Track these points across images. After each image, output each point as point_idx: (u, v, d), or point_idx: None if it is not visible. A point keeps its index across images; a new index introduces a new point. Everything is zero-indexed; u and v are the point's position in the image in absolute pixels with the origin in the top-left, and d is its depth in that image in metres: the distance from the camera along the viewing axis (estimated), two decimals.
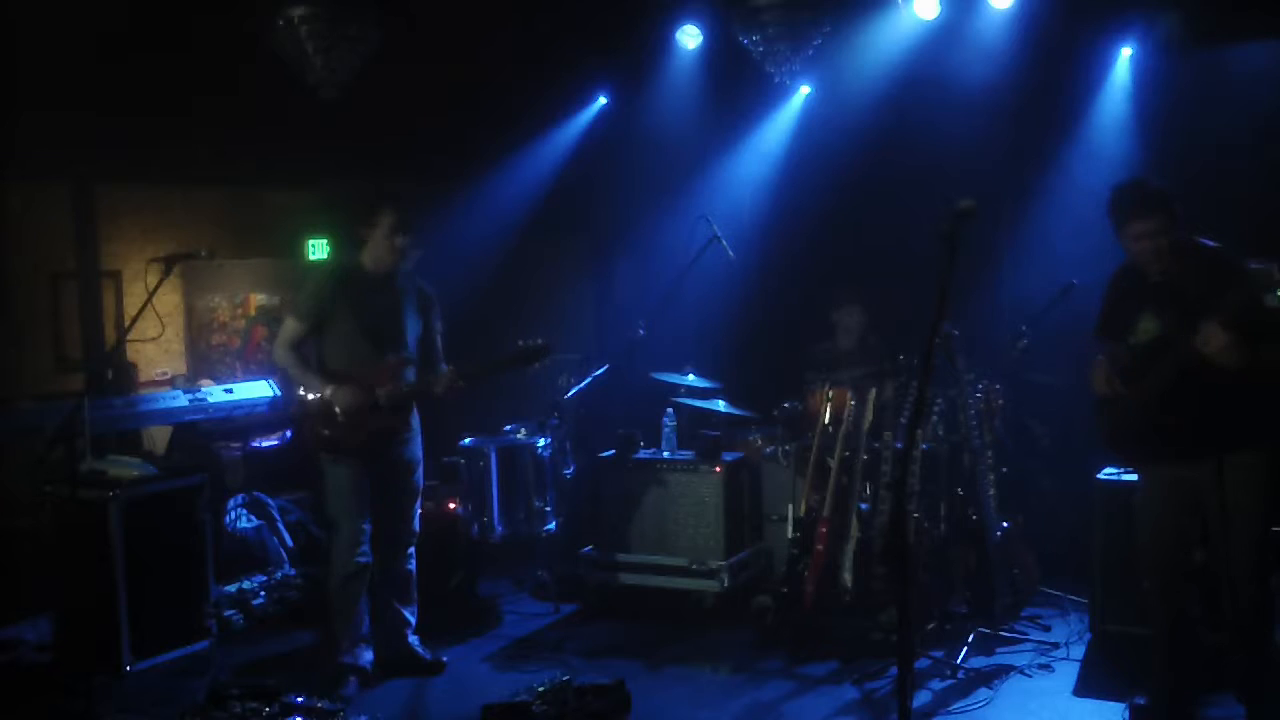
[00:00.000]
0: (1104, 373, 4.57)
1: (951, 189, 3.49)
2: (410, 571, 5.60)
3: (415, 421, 5.55)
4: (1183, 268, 4.39)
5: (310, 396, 5.35)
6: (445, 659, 5.63)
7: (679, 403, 6.72)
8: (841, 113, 7.37)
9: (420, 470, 5.59)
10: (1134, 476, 5.29)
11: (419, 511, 5.63)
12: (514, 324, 8.54)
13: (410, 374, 5.42)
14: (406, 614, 5.59)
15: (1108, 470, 5.47)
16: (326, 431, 5.33)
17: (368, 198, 5.44)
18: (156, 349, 7.53)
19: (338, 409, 5.26)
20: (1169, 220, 4.37)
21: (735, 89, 7.55)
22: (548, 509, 6.47)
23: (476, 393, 5.54)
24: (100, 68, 6.51)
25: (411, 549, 5.60)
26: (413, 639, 5.60)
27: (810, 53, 6.27)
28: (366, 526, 5.39)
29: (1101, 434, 4.72)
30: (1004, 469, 5.78)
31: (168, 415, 6.59)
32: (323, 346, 5.41)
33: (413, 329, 5.45)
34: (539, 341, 5.41)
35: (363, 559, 5.39)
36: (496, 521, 6.38)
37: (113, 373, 7.13)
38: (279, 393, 6.92)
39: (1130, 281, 4.57)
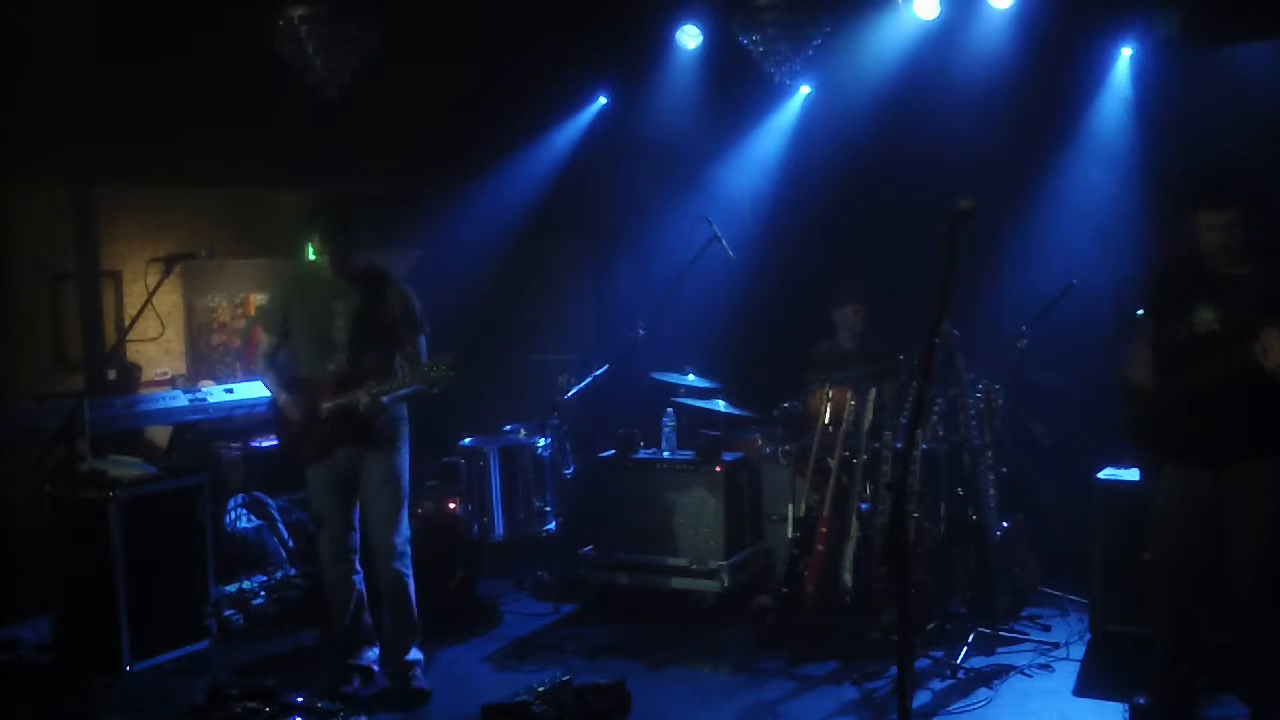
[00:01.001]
0: (1143, 362, 4.47)
1: (951, 188, 3.49)
2: (401, 591, 5.30)
3: (387, 432, 5.23)
4: (1252, 269, 4.28)
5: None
6: (432, 690, 5.32)
7: (679, 403, 6.71)
8: (841, 113, 7.38)
9: (396, 483, 5.27)
10: (1134, 477, 5.31)
11: (402, 524, 5.30)
12: (514, 323, 8.63)
13: (360, 385, 5.06)
14: (403, 638, 5.34)
15: (1108, 470, 5.47)
16: (285, 439, 5.37)
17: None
18: (156, 349, 7.53)
19: (289, 418, 5.28)
20: (1244, 215, 4.24)
21: (735, 89, 7.55)
22: (548, 509, 6.47)
23: (477, 393, 5.47)
24: (100, 68, 6.51)
25: (399, 564, 5.29)
26: (411, 658, 5.35)
27: (810, 53, 6.27)
28: (352, 534, 5.33)
29: (1128, 425, 4.65)
30: (1004, 469, 5.79)
31: (168, 415, 6.58)
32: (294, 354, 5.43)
33: (381, 336, 5.19)
34: (446, 360, 4.94)
35: (345, 567, 5.32)
36: (497, 521, 6.38)
37: (116, 373, 7.14)
38: None
39: (1189, 268, 4.41)
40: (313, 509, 5.43)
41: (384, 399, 5.05)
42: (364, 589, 5.42)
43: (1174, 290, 4.45)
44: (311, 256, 5.44)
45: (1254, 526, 4.32)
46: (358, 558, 5.40)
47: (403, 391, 5.09)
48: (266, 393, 6.85)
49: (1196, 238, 4.34)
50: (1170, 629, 4.61)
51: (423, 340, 5.32)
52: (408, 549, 5.34)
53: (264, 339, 5.46)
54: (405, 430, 5.37)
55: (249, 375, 7.57)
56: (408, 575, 5.33)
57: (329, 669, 5.39)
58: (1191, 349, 4.33)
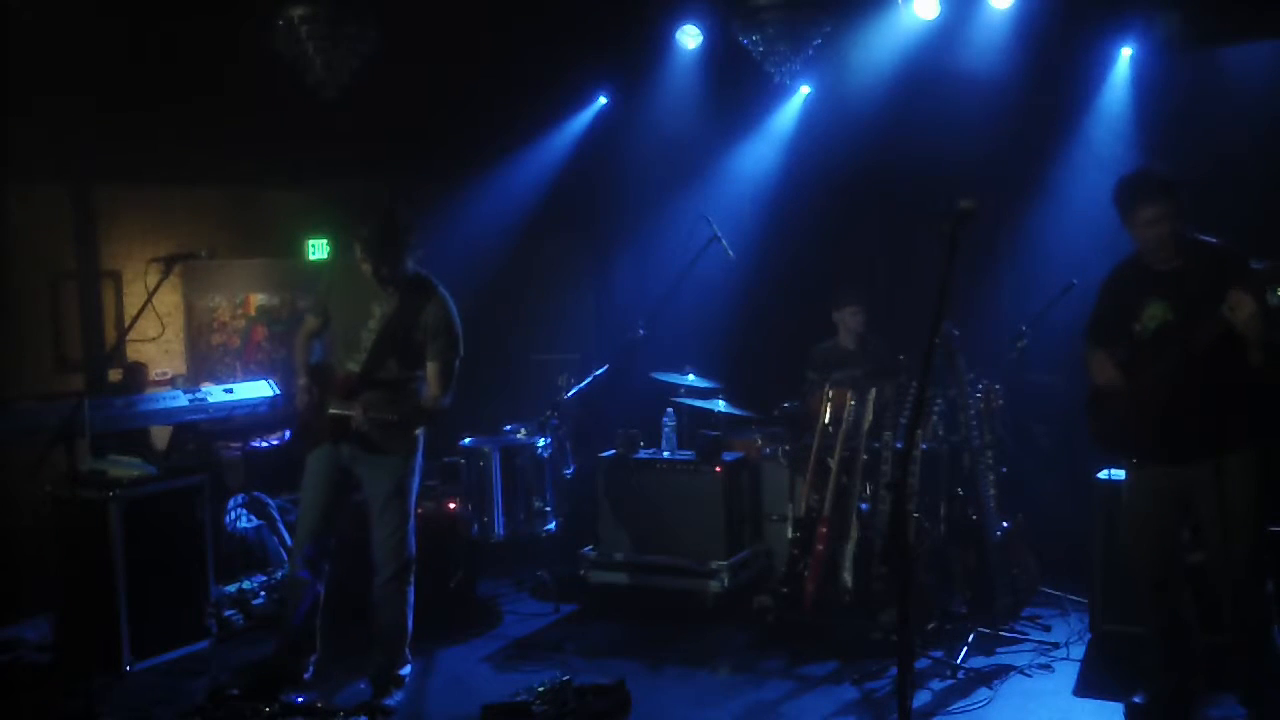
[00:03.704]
0: (1107, 365, 4.54)
1: (951, 189, 3.49)
2: (398, 608, 5.15)
3: (396, 443, 5.08)
4: (1188, 260, 4.40)
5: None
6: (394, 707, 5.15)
7: (679, 403, 6.72)
8: (841, 113, 7.38)
9: (403, 499, 5.13)
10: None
11: (409, 541, 5.18)
12: (514, 323, 8.63)
13: (360, 398, 5.01)
14: (392, 656, 5.18)
15: (1108, 470, 5.46)
16: (297, 419, 5.34)
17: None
18: (156, 349, 7.54)
19: (298, 404, 5.26)
20: (1175, 207, 4.38)
21: (735, 89, 7.55)
22: (548, 509, 6.47)
23: (477, 393, 5.44)
24: (100, 68, 6.51)
25: (400, 583, 5.14)
26: (397, 672, 5.24)
27: (810, 53, 6.28)
28: (326, 536, 5.21)
29: (1093, 428, 4.71)
30: (1004, 469, 5.78)
31: (168, 415, 6.58)
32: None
33: (406, 349, 5.09)
34: (443, 402, 5.06)
35: (309, 572, 5.18)
36: (497, 521, 6.38)
37: (122, 372, 7.15)
38: (279, 392, 6.92)
39: (1131, 275, 4.57)
40: (301, 495, 5.32)
41: (376, 418, 4.94)
42: (321, 594, 5.29)
43: (1123, 297, 4.56)
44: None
45: (1239, 523, 4.32)
46: (325, 564, 5.27)
47: (391, 419, 4.97)
48: (266, 393, 6.94)
49: (1137, 238, 4.49)
50: (1159, 629, 4.63)
51: (450, 364, 5.10)
52: (412, 568, 5.21)
53: (309, 320, 5.39)
54: (418, 443, 5.23)
55: (249, 375, 7.58)
56: (408, 596, 5.20)
57: (269, 669, 5.27)
58: (1149, 345, 4.42)
